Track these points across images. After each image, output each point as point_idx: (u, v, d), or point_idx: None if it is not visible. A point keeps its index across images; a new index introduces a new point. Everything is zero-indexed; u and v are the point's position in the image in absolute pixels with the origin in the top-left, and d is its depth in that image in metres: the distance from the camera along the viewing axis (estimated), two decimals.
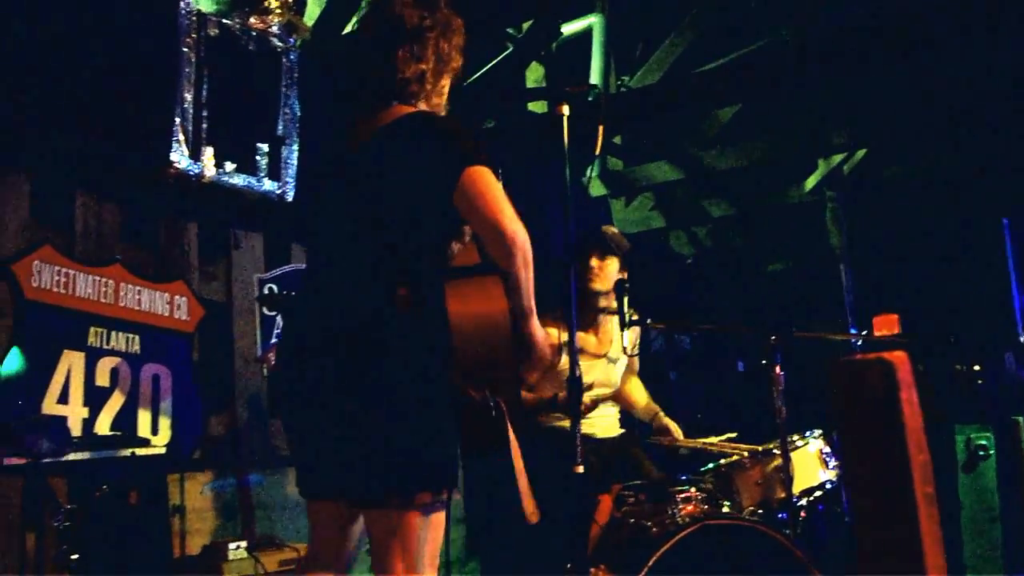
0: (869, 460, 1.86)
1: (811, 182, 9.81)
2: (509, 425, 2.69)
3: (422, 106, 2.84)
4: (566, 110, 3.41)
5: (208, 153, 5.46)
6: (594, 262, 4.84)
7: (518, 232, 2.61)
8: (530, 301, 2.79)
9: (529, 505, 2.77)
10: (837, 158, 9.41)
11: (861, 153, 9.35)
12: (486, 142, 2.81)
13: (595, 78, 8.87)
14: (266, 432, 6.23)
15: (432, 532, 2.61)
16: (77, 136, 5.17)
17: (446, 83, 2.92)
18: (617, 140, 9.84)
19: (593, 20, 8.67)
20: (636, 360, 5.23)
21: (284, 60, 6.00)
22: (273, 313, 6.37)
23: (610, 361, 4.93)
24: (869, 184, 9.60)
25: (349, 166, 2.77)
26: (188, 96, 5.38)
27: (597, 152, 3.70)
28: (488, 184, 2.62)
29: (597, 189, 9.44)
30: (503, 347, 2.74)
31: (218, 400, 6.05)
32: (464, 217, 2.66)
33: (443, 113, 2.94)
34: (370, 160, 2.71)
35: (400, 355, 2.56)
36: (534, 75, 9.02)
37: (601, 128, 3.64)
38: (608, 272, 4.83)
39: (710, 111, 8.90)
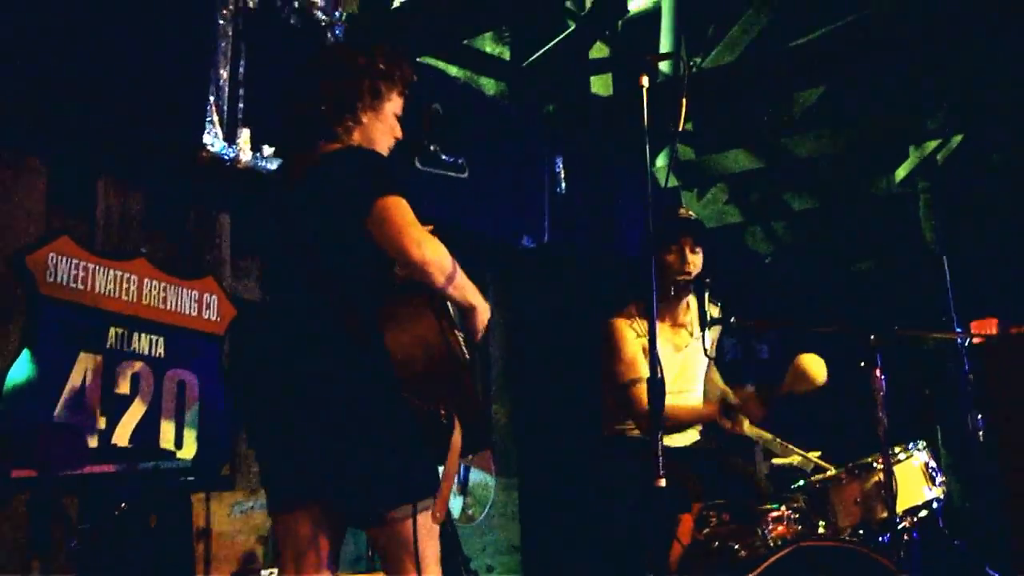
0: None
1: (902, 172, 9.48)
2: (456, 433, 2.98)
3: (356, 137, 3.16)
4: (646, 81, 3.38)
5: (244, 136, 5.24)
6: (687, 248, 4.66)
7: (425, 253, 2.87)
8: (468, 297, 3.08)
9: (441, 509, 2.96)
10: (931, 145, 9.06)
11: (957, 139, 8.97)
12: (400, 176, 2.97)
13: (665, 64, 8.62)
14: None
15: (432, 532, 2.97)
16: (100, 116, 4.90)
17: (381, 122, 3.23)
18: (689, 127, 9.55)
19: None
20: (719, 378, 5.04)
21: (329, 35, 5.82)
22: None
23: (685, 351, 4.76)
24: (966, 174, 9.25)
25: (287, 203, 3.10)
26: (223, 73, 5.18)
27: (680, 128, 3.51)
28: (396, 212, 2.87)
29: (670, 181, 9.14)
30: (440, 361, 3.00)
31: None
32: (379, 246, 2.91)
33: (383, 150, 3.24)
34: (304, 197, 3.02)
35: (361, 382, 2.89)
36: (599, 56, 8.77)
37: (684, 101, 3.49)
38: (698, 261, 4.68)
39: (791, 94, 8.57)
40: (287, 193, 3.11)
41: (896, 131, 8.37)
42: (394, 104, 3.26)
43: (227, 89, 5.22)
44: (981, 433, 6.70)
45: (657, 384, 3.19)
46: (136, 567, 4.72)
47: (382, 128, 3.23)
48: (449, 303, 3.14)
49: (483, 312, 3.15)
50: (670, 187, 9.25)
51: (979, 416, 6.83)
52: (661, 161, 8.96)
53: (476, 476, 6.49)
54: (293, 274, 3.06)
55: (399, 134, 3.29)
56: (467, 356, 3.18)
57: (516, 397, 7.75)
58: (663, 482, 3.08)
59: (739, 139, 9.00)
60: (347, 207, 2.92)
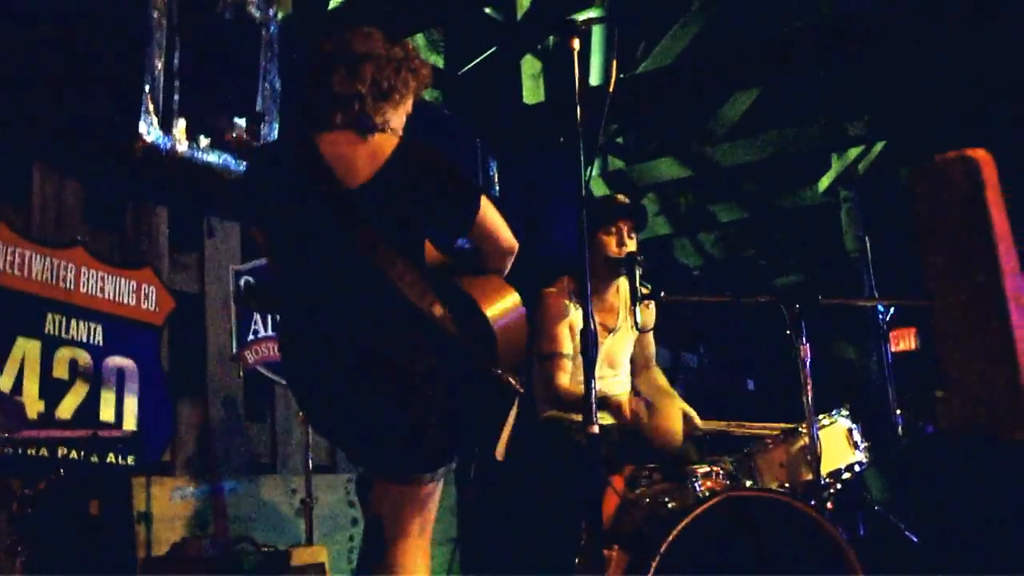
0: (953, 267, 1.73)
1: (825, 182, 9.73)
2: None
3: (393, 127, 3.19)
4: (576, 44, 3.40)
5: (180, 126, 5.32)
6: (625, 231, 4.75)
7: (515, 242, 3.32)
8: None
9: (502, 448, 3.15)
10: (853, 154, 9.31)
11: (878, 148, 9.24)
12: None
13: (596, 74, 8.83)
14: (242, 436, 6.04)
15: (437, 498, 3.21)
16: (36, 103, 4.98)
17: (391, 111, 3.19)
18: (620, 140, 9.76)
19: (592, 14, 8.63)
20: (652, 345, 5.12)
21: (264, 32, 5.89)
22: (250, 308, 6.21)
23: (613, 333, 4.83)
24: (887, 183, 9.51)
25: (351, 198, 3.05)
26: (158, 63, 5.24)
27: (611, 90, 3.60)
28: (493, 209, 3.22)
29: (599, 188, 9.31)
30: (525, 335, 3.27)
31: (189, 400, 5.84)
32: (478, 239, 3.24)
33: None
34: (382, 189, 3.05)
35: (438, 367, 3.01)
36: (530, 69, 8.95)
37: (615, 63, 3.61)
38: (634, 246, 4.75)
39: (720, 100, 8.80)
40: (347, 188, 3.05)
41: (819, 138, 8.57)
42: (411, 104, 3.31)
43: (162, 79, 5.28)
44: (900, 428, 6.90)
45: (590, 335, 3.21)
46: (79, 548, 4.77)
47: (401, 124, 3.26)
48: None
49: None
50: (601, 195, 9.40)
51: (898, 412, 7.03)
52: (596, 170, 9.14)
53: None
54: (365, 265, 3.01)
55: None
56: None
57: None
58: (596, 428, 3.13)
59: (668, 148, 9.19)
60: (452, 205, 3.15)
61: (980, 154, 1.75)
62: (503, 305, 3.18)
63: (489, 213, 3.19)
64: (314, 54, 3.24)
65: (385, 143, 3.09)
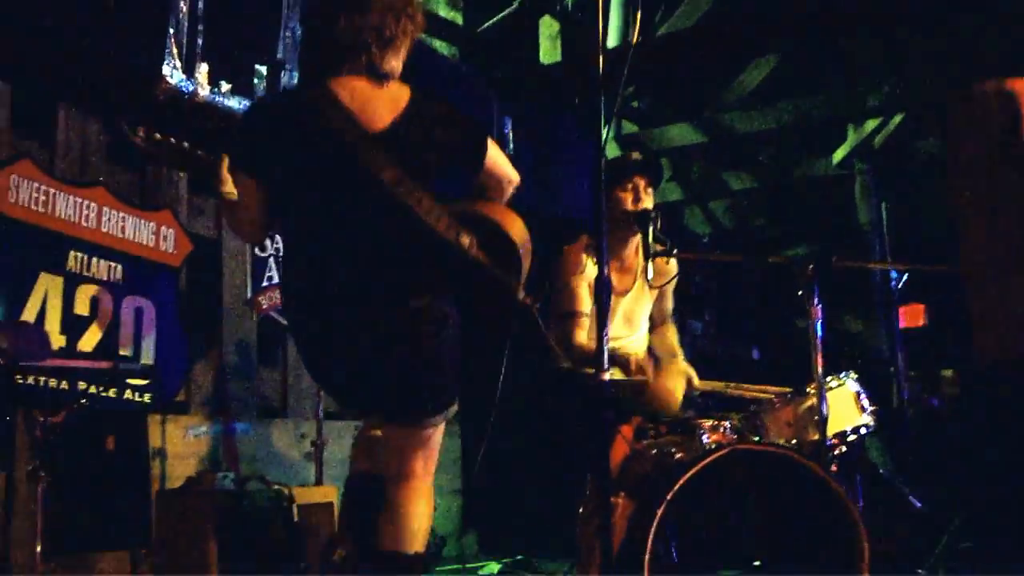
0: (986, 199, 1.77)
1: (840, 154, 9.73)
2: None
3: (396, 75, 3.25)
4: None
5: (203, 70, 5.39)
6: (641, 186, 4.72)
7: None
8: None
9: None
10: (869, 127, 9.32)
11: (896, 121, 9.24)
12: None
13: (614, 36, 8.84)
14: (254, 380, 6.14)
15: (439, 440, 3.30)
16: (62, 43, 5.05)
17: (393, 59, 3.22)
18: (634, 104, 9.78)
19: None
20: (670, 302, 5.11)
21: None
22: (266, 254, 6.28)
23: (631, 292, 4.84)
24: (903, 157, 9.52)
25: (375, 141, 3.10)
26: (183, 6, 5.31)
27: (635, 41, 3.65)
28: (498, 149, 3.42)
29: (612, 152, 9.34)
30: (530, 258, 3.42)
31: (204, 342, 5.94)
32: (486, 175, 3.39)
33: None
34: (404, 134, 3.14)
35: (447, 315, 3.15)
36: (548, 30, 8.97)
37: (639, 15, 3.63)
38: (649, 203, 4.69)
39: (738, 67, 8.80)
40: (372, 132, 3.11)
41: (837, 108, 8.57)
42: (408, 50, 3.31)
43: (186, 23, 5.34)
44: (906, 401, 6.97)
45: (605, 284, 3.17)
46: (95, 480, 4.87)
47: (400, 69, 3.27)
48: None
49: None
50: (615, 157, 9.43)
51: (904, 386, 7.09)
52: (611, 132, 9.15)
53: None
54: (374, 196, 3.08)
55: None
56: None
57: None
58: (607, 375, 3.15)
59: (682, 113, 9.20)
60: (467, 145, 3.32)
61: (1020, 85, 1.77)
62: (521, 230, 3.37)
63: (494, 149, 3.39)
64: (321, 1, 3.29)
65: (401, 91, 3.21)
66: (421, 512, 3.22)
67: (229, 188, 3.25)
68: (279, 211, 3.24)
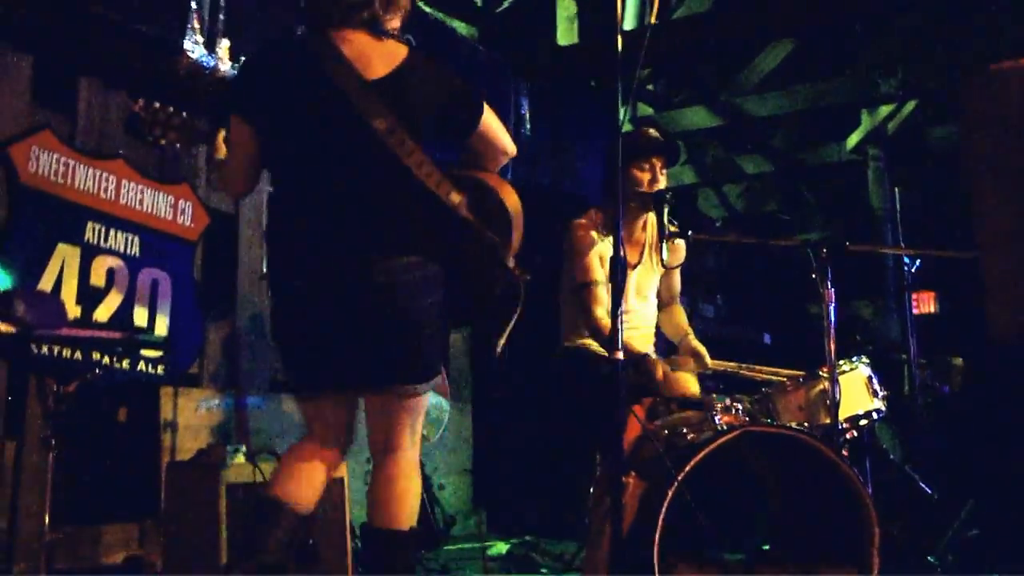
0: (1003, 178, 1.78)
1: (853, 139, 9.74)
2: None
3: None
4: None
5: (224, 45, 5.39)
6: (659, 167, 4.74)
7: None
8: None
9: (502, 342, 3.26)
10: (883, 113, 9.32)
11: (909, 107, 9.25)
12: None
13: (630, 19, 8.85)
14: (267, 355, 6.17)
15: (424, 410, 3.29)
16: (84, 15, 5.07)
17: (394, 18, 3.25)
18: (650, 87, 9.78)
19: None
20: (678, 283, 5.14)
21: None
22: None
23: (638, 267, 4.86)
24: (916, 143, 9.52)
25: (370, 88, 3.09)
26: None
27: (654, 20, 3.65)
28: (494, 116, 3.36)
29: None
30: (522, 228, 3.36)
31: (219, 316, 5.98)
32: (481, 140, 3.35)
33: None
34: (400, 91, 3.12)
35: (432, 277, 3.12)
36: (565, 11, 8.98)
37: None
38: (664, 183, 4.73)
39: (754, 51, 8.81)
40: (366, 85, 3.10)
41: (851, 94, 8.57)
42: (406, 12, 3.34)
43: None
44: (917, 387, 6.98)
45: (620, 262, 3.22)
46: (106, 450, 4.92)
47: (398, 30, 3.30)
48: None
49: None
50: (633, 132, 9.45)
51: (916, 372, 7.10)
52: (627, 115, 9.16)
53: (432, 399, 6.66)
54: (367, 144, 3.07)
55: None
56: None
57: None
58: (620, 355, 3.17)
59: (698, 96, 9.21)
60: (461, 104, 3.26)
61: None
62: (516, 200, 3.32)
63: (491, 116, 3.34)
64: None
65: (398, 48, 3.20)
66: (412, 487, 3.21)
67: (223, 155, 3.34)
68: (269, 160, 3.24)
